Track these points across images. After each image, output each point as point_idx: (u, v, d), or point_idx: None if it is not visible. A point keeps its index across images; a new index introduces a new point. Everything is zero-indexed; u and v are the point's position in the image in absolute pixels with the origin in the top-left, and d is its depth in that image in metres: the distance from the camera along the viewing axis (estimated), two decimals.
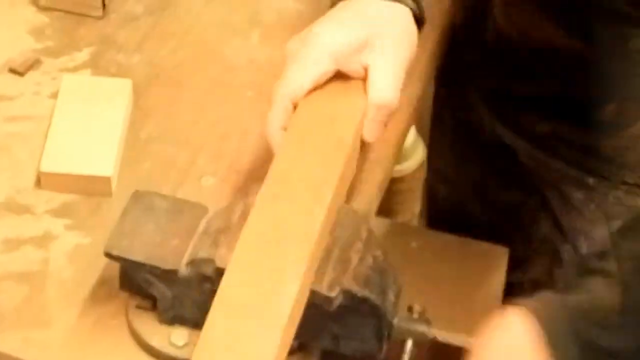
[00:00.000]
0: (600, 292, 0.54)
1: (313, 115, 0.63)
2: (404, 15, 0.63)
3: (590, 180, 0.77)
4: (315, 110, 0.64)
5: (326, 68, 0.60)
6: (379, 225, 0.66)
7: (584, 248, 0.80)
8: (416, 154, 1.19)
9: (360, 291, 0.52)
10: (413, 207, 1.16)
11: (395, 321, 0.56)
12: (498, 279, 0.70)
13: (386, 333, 0.55)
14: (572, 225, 0.80)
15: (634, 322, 0.53)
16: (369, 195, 0.68)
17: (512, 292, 0.92)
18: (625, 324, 0.53)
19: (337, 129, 0.62)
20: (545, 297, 0.56)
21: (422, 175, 1.11)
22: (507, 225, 0.87)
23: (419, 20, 0.65)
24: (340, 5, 0.64)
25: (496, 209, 0.90)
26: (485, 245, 0.82)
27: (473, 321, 0.64)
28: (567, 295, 0.55)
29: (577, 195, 0.78)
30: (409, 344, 0.56)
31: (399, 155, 0.81)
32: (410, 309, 0.60)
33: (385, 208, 0.88)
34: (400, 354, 0.60)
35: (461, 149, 0.94)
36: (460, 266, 0.70)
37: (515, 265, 0.91)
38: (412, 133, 1.15)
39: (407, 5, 0.64)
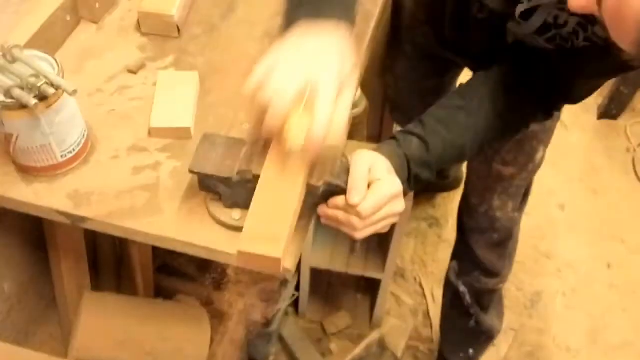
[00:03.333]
0: (417, 149, 0.80)
1: None
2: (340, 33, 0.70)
3: None
4: None
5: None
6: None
7: None
8: (361, 104, 1.51)
9: (334, 181, 0.73)
10: (362, 133, 1.50)
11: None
12: None
13: None
14: None
15: (431, 166, 0.81)
16: None
17: None
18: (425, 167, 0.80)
19: None
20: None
21: (366, 117, 1.42)
22: None
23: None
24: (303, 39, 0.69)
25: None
26: None
27: None
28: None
29: None
30: None
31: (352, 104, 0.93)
32: None
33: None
34: None
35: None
36: None
37: None
38: (358, 91, 1.47)
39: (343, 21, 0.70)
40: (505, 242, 1.28)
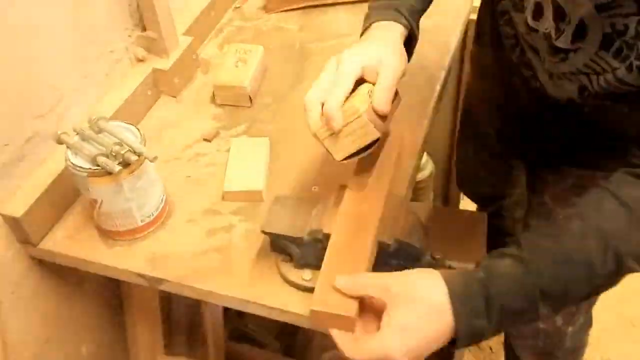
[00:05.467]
0: (507, 268, 0.62)
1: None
2: (399, 37, 0.78)
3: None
4: None
5: (350, 85, 0.72)
6: (411, 205, 0.83)
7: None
8: (427, 167, 1.51)
9: (405, 239, 0.73)
10: (428, 197, 1.50)
11: (425, 256, 0.73)
12: (481, 231, 0.83)
13: (419, 261, 0.73)
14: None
15: (529, 292, 0.61)
16: (404, 189, 0.87)
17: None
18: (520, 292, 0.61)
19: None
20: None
21: (432, 181, 1.43)
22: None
23: (412, 37, 0.81)
24: (363, 37, 0.80)
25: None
26: (470, 212, 1.04)
27: (467, 256, 0.78)
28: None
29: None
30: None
31: (418, 168, 1.01)
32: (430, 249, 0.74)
33: (413, 198, 1.14)
34: None
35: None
36: (457, 225, 0.85)
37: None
38: (425, 155, 1.48)
39: (402, 25, 0.79)
40: (553, 351, 1.20)
